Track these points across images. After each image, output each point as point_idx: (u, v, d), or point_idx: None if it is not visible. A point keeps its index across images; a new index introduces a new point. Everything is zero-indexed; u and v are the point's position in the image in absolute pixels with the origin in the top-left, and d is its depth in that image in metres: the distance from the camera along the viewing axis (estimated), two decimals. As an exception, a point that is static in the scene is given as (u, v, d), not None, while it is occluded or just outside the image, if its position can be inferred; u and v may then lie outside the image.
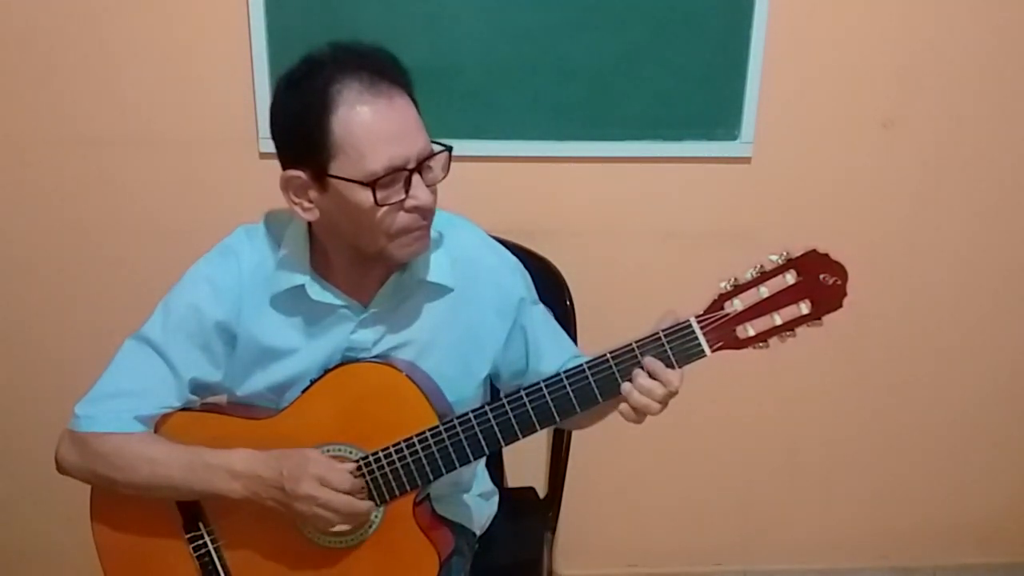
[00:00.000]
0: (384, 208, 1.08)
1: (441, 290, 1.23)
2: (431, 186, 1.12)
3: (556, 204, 1.85)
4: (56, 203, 1.80)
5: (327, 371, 1.20)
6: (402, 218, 1.11)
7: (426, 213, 1.13)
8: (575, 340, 1.58)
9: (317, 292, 1.19)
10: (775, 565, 2.16)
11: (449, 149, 1.13)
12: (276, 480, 1.12)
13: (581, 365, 1.11)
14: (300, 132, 1.08)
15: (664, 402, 1.09)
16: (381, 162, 1.06)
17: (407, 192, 1.09)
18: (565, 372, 1.12)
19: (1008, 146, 1.87)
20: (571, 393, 1.12)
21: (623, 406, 1.10)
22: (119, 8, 1.68)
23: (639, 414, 1.10)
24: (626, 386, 1.09)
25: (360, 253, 1.16)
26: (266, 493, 1.14)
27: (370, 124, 1.06)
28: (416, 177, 1.10)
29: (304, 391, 1.21)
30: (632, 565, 2.16)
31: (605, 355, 1.11)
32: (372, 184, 1.06)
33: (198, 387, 1.23)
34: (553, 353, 1.30)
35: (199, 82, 1.73)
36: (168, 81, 1.73)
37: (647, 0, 1.70)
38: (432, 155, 1.12)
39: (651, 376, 1.08)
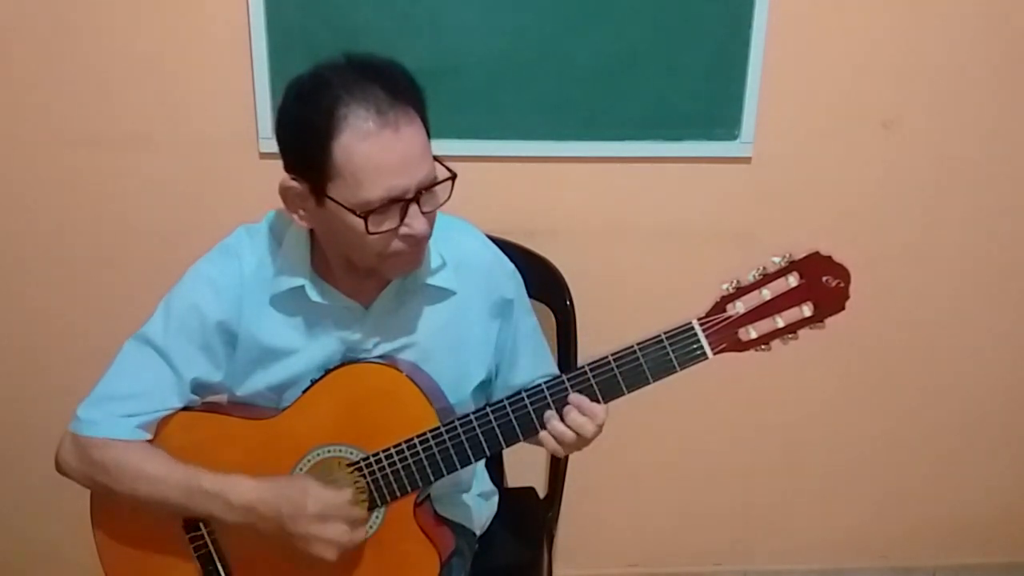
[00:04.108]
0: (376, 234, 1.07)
1: (442, 294, 1.23)
2: (430, 212, 1.10)
3: (556, 204, 1.84)
4: (56, 203, 1.79)
5: (328, 371, 1.20)
6: (396, 244, 1.10)
7: (420, 240, 1.11)
8: (575, 340, 1.59)
9: (316, 294, 1.19)
10: (775, 565, 2.16)
11: (453, 176, 1.11)
12: (275, 518, 1.13)
13: (583, 366, 1.11)
14: (302, 149, 1.07)
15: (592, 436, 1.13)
16: (377, 193, 1.04)
17: (402, 220, 1.07)
18: (568, 374, 1.12)
19: (1009, 145, 1.87)
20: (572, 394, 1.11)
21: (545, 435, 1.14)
22: (119, 8, 1.68)
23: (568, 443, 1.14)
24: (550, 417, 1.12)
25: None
26: (263, 526, 1.14)
27: (371, 155, 1.03)
28: (414, 207, 1.07)
29: (305, 391, 1.21)
30: (632, 565, 2.16)
31: (607, 357, 1.11)
32: (365, 216, 1.05)
33: (199, 387, 1.23)
34: (528, 366, 1.30)
35: (199, 82, 1.73)
36: (168, 81, 1.72)
37: (647, 0, 1.70)
38: (435, 183, 1.10)
39: (580, 412, 1.11)
